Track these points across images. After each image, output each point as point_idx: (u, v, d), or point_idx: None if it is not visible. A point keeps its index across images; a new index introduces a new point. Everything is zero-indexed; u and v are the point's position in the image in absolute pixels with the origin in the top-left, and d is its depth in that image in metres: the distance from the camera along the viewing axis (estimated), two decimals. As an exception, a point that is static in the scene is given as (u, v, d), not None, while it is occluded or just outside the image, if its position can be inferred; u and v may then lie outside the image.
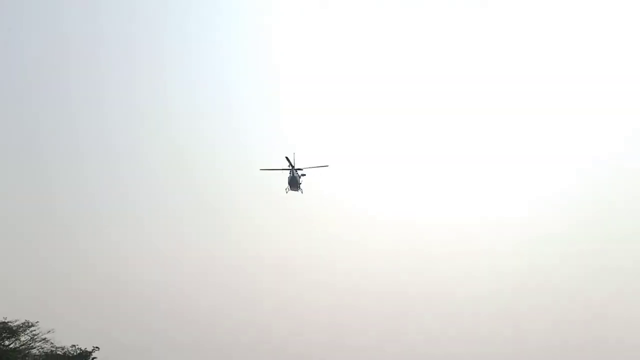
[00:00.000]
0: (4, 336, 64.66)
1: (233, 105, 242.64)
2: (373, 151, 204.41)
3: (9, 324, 64.94)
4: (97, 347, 73.82)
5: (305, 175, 40.93)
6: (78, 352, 72.53)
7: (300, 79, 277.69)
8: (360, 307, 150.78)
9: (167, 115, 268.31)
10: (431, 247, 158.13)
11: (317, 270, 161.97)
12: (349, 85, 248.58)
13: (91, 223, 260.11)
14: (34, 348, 67.14)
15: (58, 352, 68.79)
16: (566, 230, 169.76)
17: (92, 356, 73.84)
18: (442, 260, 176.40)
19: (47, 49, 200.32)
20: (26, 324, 66.90)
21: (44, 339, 67.24)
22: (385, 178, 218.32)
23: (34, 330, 67.16)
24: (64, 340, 79.02)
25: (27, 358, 66.32)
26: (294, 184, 40.49)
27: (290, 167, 40.64)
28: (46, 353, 67.63)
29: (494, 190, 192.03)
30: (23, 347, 66.61)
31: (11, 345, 64.77)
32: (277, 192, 46.30)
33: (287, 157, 39.64)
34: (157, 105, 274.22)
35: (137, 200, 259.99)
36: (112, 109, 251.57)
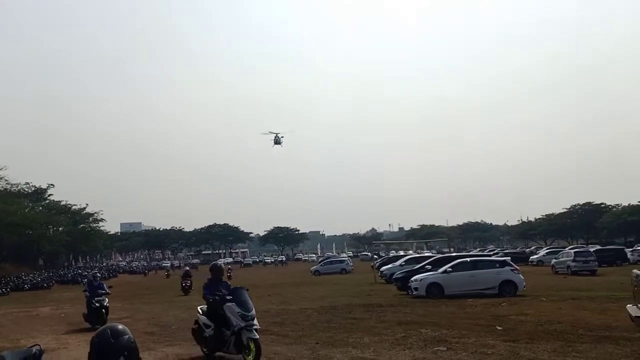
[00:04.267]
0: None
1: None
2: None
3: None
4: (52, 184, 66.76)
5: (284, 137, 62.80)
6: (33, 189, 64.92)
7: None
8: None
9: None
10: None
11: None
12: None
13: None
14: (-13, 185, 58.56)
15: (13, 190, 60.94)
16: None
17: (48, 193, 66.90)
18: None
19: None
20: (-26, 160, 57.36)
21: (-3, 175, 58.74)
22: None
23: (-15, 167, 58.15)
24: (18, 177, 69.75)
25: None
26: (277, 142, 61.97)
27: (275, 135, 62.02)
28: (-1, 191, 59.55)
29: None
30: (-26, 183, 57.61)
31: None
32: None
33: (276, 133, 62.07)
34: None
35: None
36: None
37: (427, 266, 24.07)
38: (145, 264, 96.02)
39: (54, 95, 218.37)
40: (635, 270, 8.62)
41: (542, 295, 19.71)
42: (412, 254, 42.15)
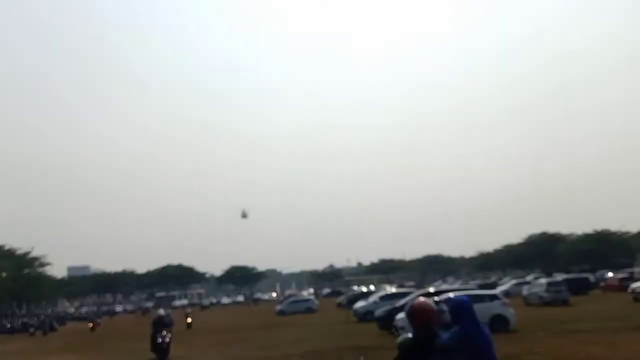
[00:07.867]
0: None
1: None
2: None
3: None
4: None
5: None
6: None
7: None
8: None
9: None
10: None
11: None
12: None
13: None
14: None
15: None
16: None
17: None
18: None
19: None
20: None
21: None
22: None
23: None
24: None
25: None
26: (244, 216, 67.53)
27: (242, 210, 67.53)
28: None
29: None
30: None
31: None
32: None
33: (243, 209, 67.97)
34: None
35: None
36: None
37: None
38: (96, 309, 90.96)
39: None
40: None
41: (536, 330, 18.76)
42: (384, 290, 40.91)
